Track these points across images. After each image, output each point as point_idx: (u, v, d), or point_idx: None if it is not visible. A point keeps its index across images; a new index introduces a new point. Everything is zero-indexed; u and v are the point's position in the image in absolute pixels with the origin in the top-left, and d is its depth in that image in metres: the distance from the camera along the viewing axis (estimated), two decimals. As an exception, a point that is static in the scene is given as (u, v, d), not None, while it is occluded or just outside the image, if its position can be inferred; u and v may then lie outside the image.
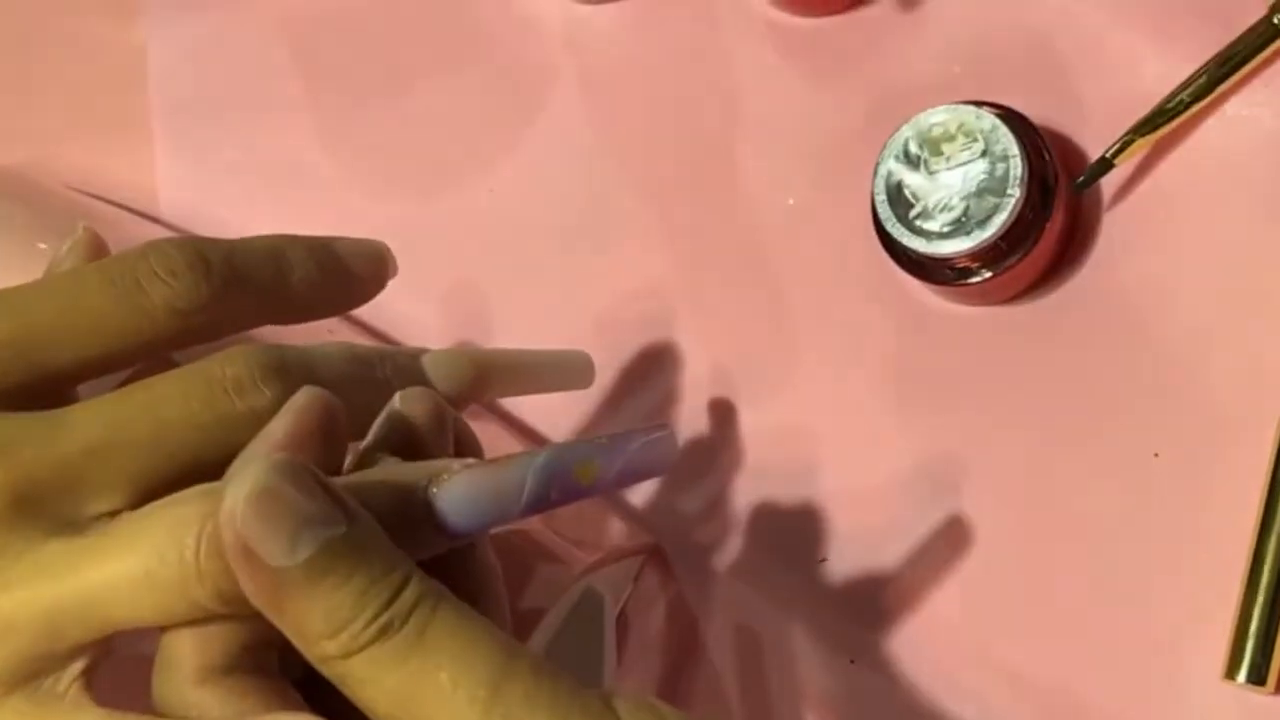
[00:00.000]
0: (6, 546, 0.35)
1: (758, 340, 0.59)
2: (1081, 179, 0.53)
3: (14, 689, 0.36)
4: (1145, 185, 0.54)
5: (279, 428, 0.36)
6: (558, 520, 0.55)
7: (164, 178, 0.69)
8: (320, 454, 0.36)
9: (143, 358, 0.40)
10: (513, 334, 0.62)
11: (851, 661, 0.56)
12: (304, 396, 0.37)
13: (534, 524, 0.53)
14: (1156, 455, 0.52)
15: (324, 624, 0.32)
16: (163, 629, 0.36)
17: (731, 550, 0.59)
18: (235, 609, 0.34)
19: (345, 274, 0.44)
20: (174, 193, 0.69)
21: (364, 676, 0.33)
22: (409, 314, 0.62)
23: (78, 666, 0.36)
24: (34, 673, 0.36)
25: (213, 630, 0.35)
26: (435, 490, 0.36)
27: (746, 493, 0.59)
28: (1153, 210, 0.54)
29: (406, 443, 0.39)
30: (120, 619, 0.35)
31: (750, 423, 0.59)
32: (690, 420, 0.59)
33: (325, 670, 0.33)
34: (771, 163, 0.60)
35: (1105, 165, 0.53)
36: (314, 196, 0.67)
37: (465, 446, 0.41)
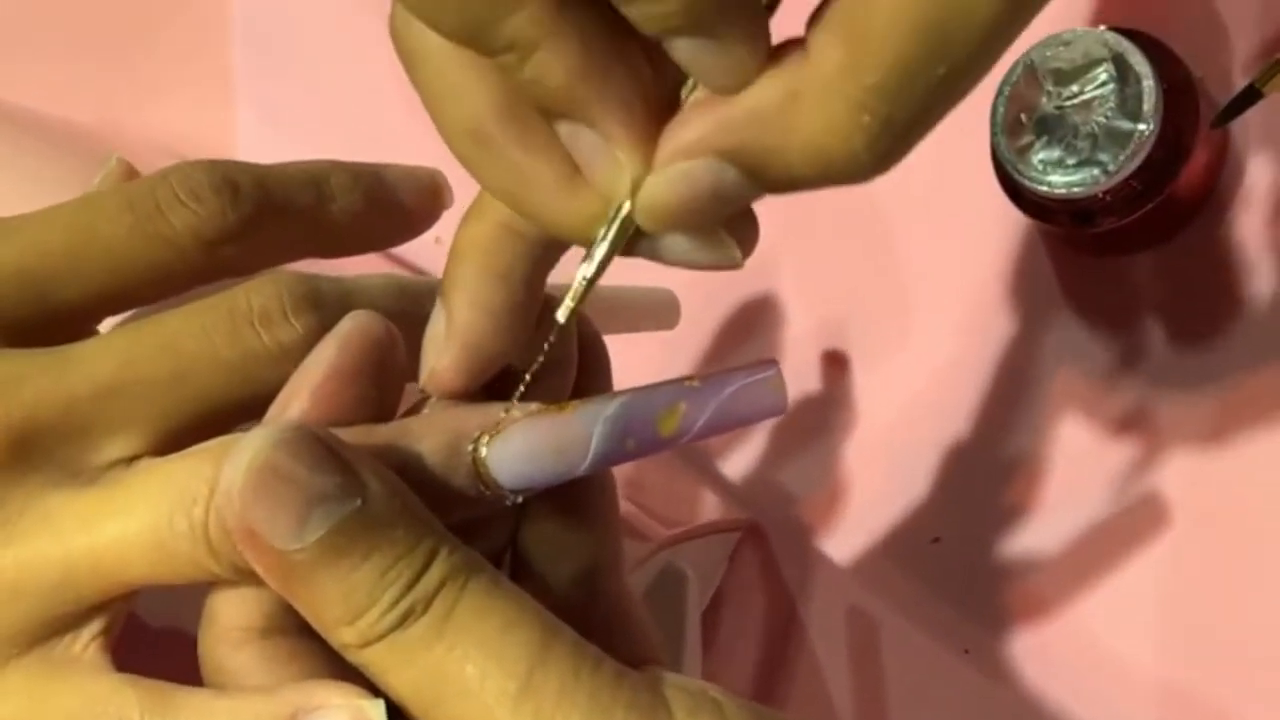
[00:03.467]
0: (8, 498, 0.33)
1: (866, 295, 0.55)
2: (1224, 110, 0.47)
3: (28, 649, 0.33)
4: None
5: (320, 362, 0.32)
6: (640, 490, 0.51)
7: (244, 137, 0.67)
8: (368, 393, 0.32)
9: (167, 292, 0.36)
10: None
11: (966, 651, 0.52)
12: (351, 322, 0.33)
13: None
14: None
15: (340, 610, 0.29)
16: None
17: (835, 528, 0.55)
18: (255, 581, 0.31)
19: (394, 204, 0.40)
20: (255, 148, 0.66)
21: (385, 665, 0.30)
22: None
23: (96, 626, 0.33)
24: (48, 633, 0.33)
25: (252, 589, 0.32)
26: (486, 445, 0.31)
27: (851, 466, 0.55)
28: (1309, 147, 0.49)
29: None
30: (136, 580, 0.32)
31: (857, 388, 0.55)
32: (791, 384, 0.55)
33: (346, 657, 0.30)
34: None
35: (1253, 95, 0.47)
36: (398, 152, 0.64)
37: (591, 350, 0.36)
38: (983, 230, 0.53)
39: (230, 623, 0.32)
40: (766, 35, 0.26)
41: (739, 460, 0.57)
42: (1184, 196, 0.48)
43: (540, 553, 0.35)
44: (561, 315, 0.30)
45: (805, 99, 0.25)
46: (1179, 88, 0.47)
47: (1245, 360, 0.49)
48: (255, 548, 0.29)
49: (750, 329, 0.56)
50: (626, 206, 0.27)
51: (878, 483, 0.54)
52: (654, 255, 0.29)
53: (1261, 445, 0.48)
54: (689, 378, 0.32)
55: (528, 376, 0.33)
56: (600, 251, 0.28)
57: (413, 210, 0.40)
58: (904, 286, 0.55)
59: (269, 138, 0.68)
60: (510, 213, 0.31)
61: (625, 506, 0.51)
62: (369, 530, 0.29)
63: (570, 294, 0.30)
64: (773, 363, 0.33)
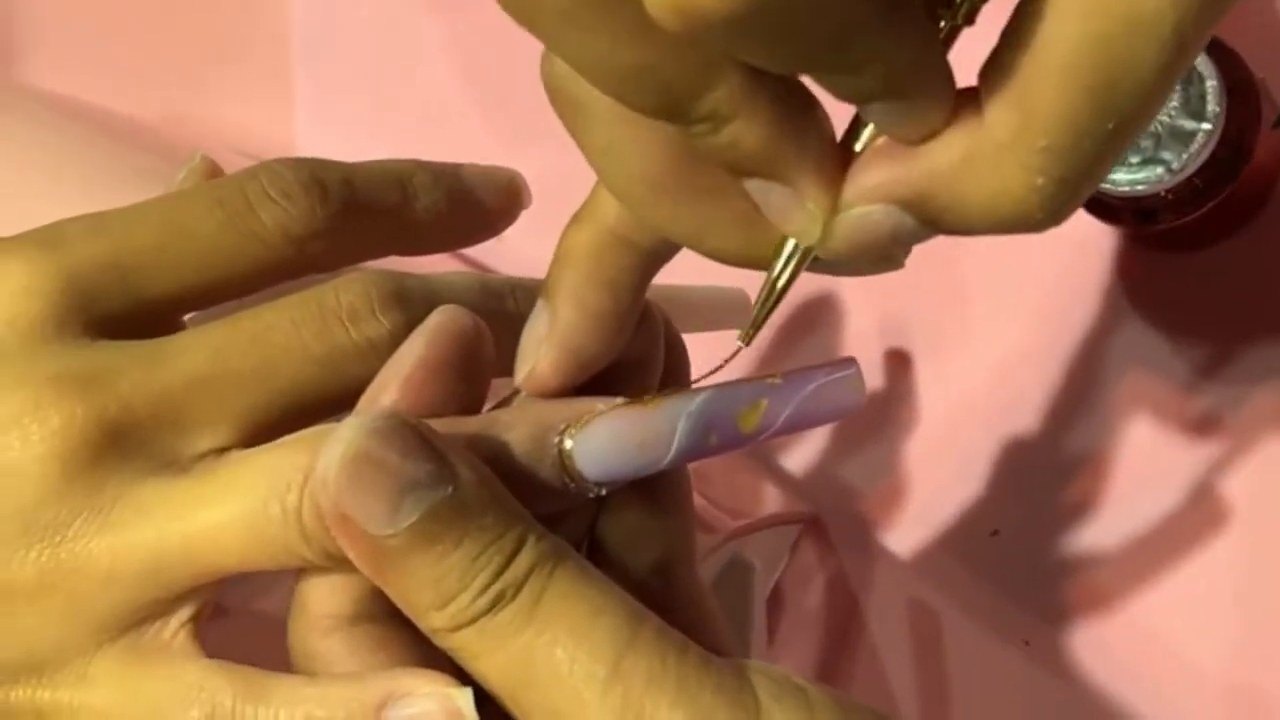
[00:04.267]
0: (103, 486, 0.33)
1: (927, 293, 0.55)
2: (1285, 112, 0.48)
3: (119, 636, 0.33)
4: (1361, 118, 0.49)
5: (409, 355, 0.33)
6: (704, 481, 0.51)
7: (303, 131, 0.67)
8: (456, 386, 0.33)
9: (255, 287, 0.37)
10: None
11: (1027, 643, 0.52)
12: (440, 316, 0.33)
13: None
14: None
15: (432, 595, 0.30)
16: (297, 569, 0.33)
17: (895, 522, 0.55)
18: (346, 567, 0.31)
19: (474, 203, 0.40)
20: (313, 147, 0.66)
21: (475, 650, 0.30)
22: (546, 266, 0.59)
23: (186, 613, 0.34)
24: (139, 619, 0.33)
25: (341, 576, 0.32)
26: (571, 438, 0.32)
27: (911, 460, 0.55)
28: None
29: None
30: (228, 566, 0.33)
31: (919, 384, 0.55)
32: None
33: (436, 641, 0.31)
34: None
35: (1316, 95, 0.47)
36: (457, 148, 0.64)
37: (674, 350, 0.37)
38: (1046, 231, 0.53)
39: (320, 610, 0.33)
40: (953, 92, 0.26)
41: (800, 454, 0.56)
42: (1245, 195, 0.49)
43: (619, 542, 0.35)
44: (744, 340, 0.31)
45: (980, 163, 0.26)
46: (1241, 88, 0.47)
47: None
48: (349, 534, 0.30)
49: (813, 326, 0.57)
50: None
51: (937, 477, 0.54)
52: (825, 271, 0.30)
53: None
54: (770, 375, 0.33)
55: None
56: (783, 279, 0.29)
57: (492, 209, 0.41)
58: (967, 284, 0.55)
59: (326, 134, 0.68)
60: (621, 219, 0.32)
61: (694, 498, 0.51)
62: (460, 517, 0.30)
63: (755, 316, 0.30)
64: (852, 361, 0.34)
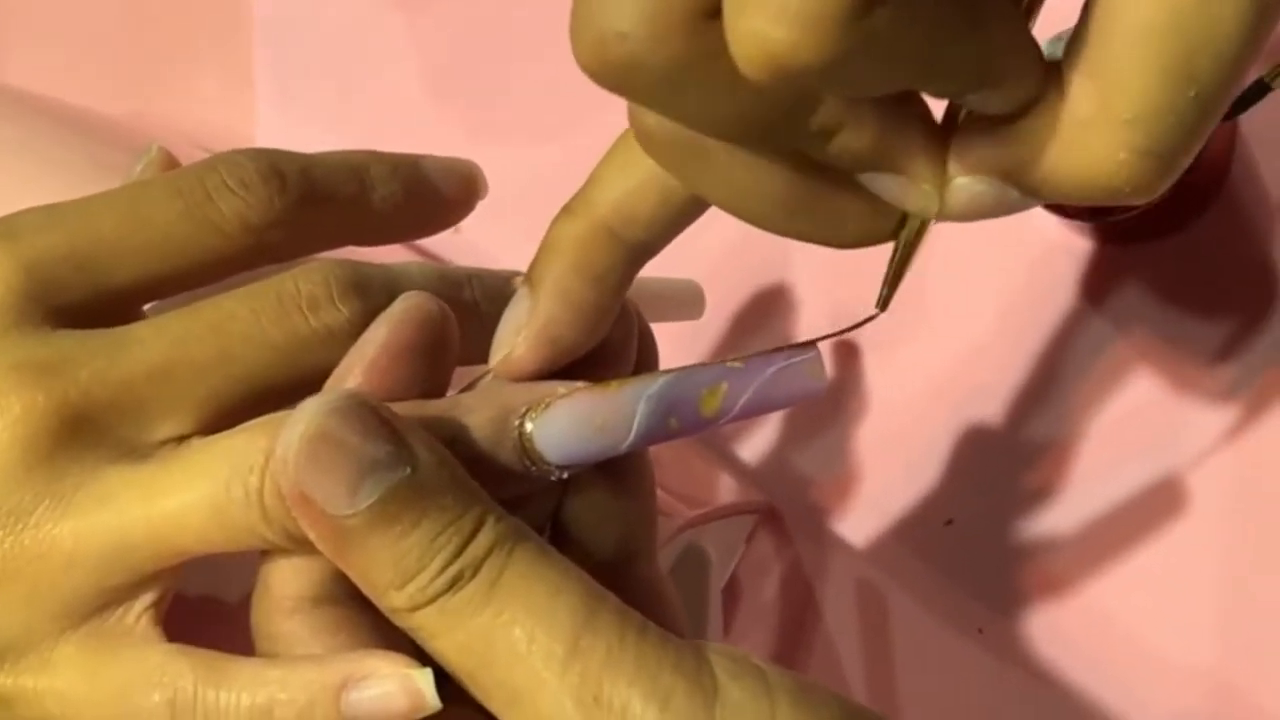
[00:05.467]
0: (64, 473, 0.33)
1: (878, 282, 0.55)
2: (1236, 103, 0.48)
3: (81, 622, 0.33)
4: (1309, 111, 0.49)
5: (373, 340, 0.33)
6: (660, 469, 0.52)
7: (264, 125, 0.67)
8: (420, 371, 0.33)
9: (214, 276, 0.37)
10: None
11: (980, 631, 0.52)
12: (405, 302, 0.33)
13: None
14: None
15: (391, 575, 0.30)
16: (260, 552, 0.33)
17: (849, 511, 0.55)
18: (308, 548, 0.32)
19: (432, 193, 0.40)
20: (273, 141, 0.67)
21: (434, 629, 0.30)
22: (509, 261, 0.59)
23: (148, 598, 0.34)
24: (102, 605, 0.33)
25: (303, 558, 0.33)
26: (531, 421, 0.32)
27: (865, 449, 0.56)
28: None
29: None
30: (191, 548, 0.33)
31: (871, 373, 0.55)
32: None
33: (395, 621, 0.31)
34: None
35: (1262, 89, 0.48)
36: (418, 141, 0.64)
37: (644, 339, 0.37)
38: (996, 222, 0.54)
39: (282, 591, 0.33)
40: (1042, 67, 0.26)
41: (755, 443, 0.57)
42: (1197, 187, 0.49)
43: (581, 525, 0.36)
44: (881, 305, 0.32)
45: (1068, 139, 0.26)
46: (1190, 81, 0.48)
47: (1261, 346, 0.49)
48: (309, 514, 0.30)
49: (766, 316, 0.57)
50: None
51: (892, 466, 0.55)
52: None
53: None
54: (731, 359, 0.33)
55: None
56: (909, 249, 0.31)
57: (449, 200, 0.41)
58: (924, 275, 0.55)
59: (287, 127, 0.68)
60: (616, 213, 0.32)
61: (653, 486, 0.51)
62: (419, 497, 0.30)
63: (888, 280, 0.32)
64: (813, 345, 0.34)
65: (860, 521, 0.55)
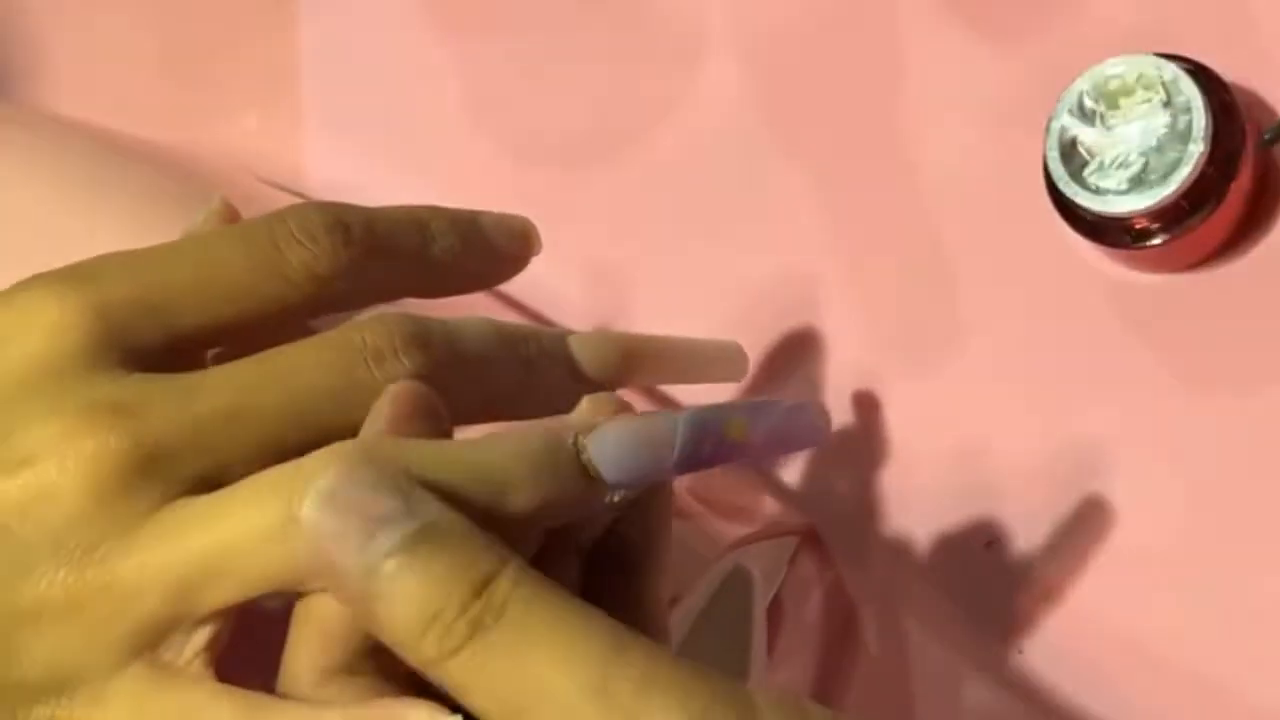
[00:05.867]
0: (133, 510, 0.34)
1: (918, 312, 0.56)
2: (1270, 133, 0.49)
3: (136, 657, 0.34)
4: (1342, 140, 0.50)
5: (378, 415, 0.35)
6: (706, 492, 0.52)
7: (310, 152, 0.69)
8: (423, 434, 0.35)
9: (279, 324, 0.38)
10: (657, 310, 0.60)
11: (1020, 652, 0.52)
12: (394, 385, 0.36)
13: (679, 494, 0.51)
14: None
15: (415, 624, 0.31)
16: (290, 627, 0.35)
17: (891, 534, 0.56)
18: None
19: (489, 249, 0.42)
20: (320, 168, 0.68)
21: (465, 681, 0.31)
22: (550, 286, 0.60)
23: (202, 638, 0.35)
24: (157, 639, 0.34)
25: (336, 630, 0.34)
26: (586, 437, 0.34)
27: (905, 474, 0.56)
28: (1351, 167, 0.50)
29: None
30: (252, 578, 0.34)
31: (910, 399, 0.56)
32: (845, 397, 0.57)
33: (430, 678, 0.32)
34: (937, 126, 0.57)
35: (1300, 119, 0.49)
36: (462, 169, 0.66)
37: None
38: (1037, 249, 0.54)
39: (312, 663, 0.34)
40: None
41: (797, 468, 0.58)
42: (1231, 214, 0.50)
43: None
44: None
45: None
46: (1225, 110, 0.49)
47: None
48: (329, 573, 0.31)
49: (803, 351, 0.58)
50: None
51: (930, 490, 0.55)
52: None
53: None
54: (742, 401, 0.36)
55: None
56: None
57: (506, 255, 0.43)
58: (953, 306, 0.56)
59: (335, 154, 0.69)
60: None
61: (688, 503, 0.52)
62: (434, 541, 0.31)
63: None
64: (814, 401, 0.37)
65: (900, 543, 0.56)
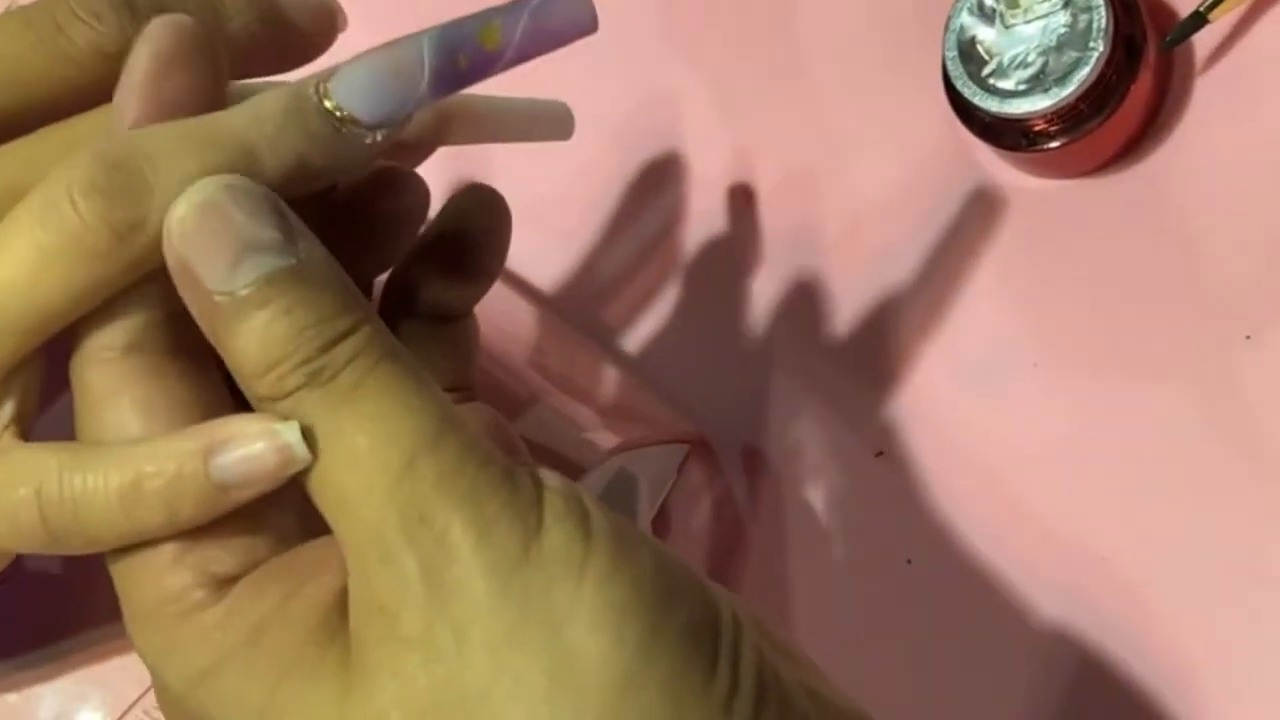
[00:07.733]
0: None
1: (818, 204, 0.55)
2: (1171, 36, 0.48)
3: None
4: (1244, 45, 0.49)
5: (137, 63, 0.33)
6: (590, 398, 0.51)
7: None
8: (192, 81, 0.33)
9: (70, 107, 0.36)
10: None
11: (909, 562, 0.52)
12: (155, 22, 0.34)
13: (561, 397, 0.50)
14: (1249, 338, 0.48)
15: (257, 359, 0.30)
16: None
17: (780, 444, 0.55)
18: (136, 253, 0.32)
19: (288, 27, 0.40)
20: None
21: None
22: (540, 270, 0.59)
23: (6, 412, 0.34)
24: None
25: (118, 307, 0.33)
26: (328, 82, 0.33)
27: (795, 384, 0.55)
28: (1252, 74, 0.49)
29: None
30: (33, 311, 0.32)
31: (804, 305, 0.55)
32: (730, 300, 0.56)
33: (260, 411, 0.31)
34: (836, 24, 0.56)
35: (1199, 21, 0.48)
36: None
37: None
38: (933, 155, 0.54)
39: (94, 342, 0.33)
40: None
41: (682, 374, 0.57)
42: (1130, 119, 0.49)
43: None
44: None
45: None
46: (1127, 10, 0.48)
47: (1176, 274, 0.49)
48: (190, 284, 0.31)
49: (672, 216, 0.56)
50: None
51: (820, 400, 0.54)
52: None
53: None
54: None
55: None
56: None
57: (306, 33, 0.40)
58: (849, 204, 0.55)
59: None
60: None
61: (579, 410, 0.51)
62: (297, 287, 0.30)
63: None
64: None
65: (790, 453, 0.55)
